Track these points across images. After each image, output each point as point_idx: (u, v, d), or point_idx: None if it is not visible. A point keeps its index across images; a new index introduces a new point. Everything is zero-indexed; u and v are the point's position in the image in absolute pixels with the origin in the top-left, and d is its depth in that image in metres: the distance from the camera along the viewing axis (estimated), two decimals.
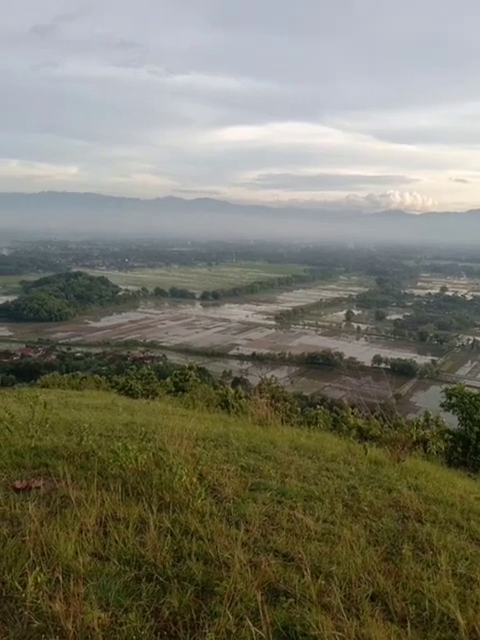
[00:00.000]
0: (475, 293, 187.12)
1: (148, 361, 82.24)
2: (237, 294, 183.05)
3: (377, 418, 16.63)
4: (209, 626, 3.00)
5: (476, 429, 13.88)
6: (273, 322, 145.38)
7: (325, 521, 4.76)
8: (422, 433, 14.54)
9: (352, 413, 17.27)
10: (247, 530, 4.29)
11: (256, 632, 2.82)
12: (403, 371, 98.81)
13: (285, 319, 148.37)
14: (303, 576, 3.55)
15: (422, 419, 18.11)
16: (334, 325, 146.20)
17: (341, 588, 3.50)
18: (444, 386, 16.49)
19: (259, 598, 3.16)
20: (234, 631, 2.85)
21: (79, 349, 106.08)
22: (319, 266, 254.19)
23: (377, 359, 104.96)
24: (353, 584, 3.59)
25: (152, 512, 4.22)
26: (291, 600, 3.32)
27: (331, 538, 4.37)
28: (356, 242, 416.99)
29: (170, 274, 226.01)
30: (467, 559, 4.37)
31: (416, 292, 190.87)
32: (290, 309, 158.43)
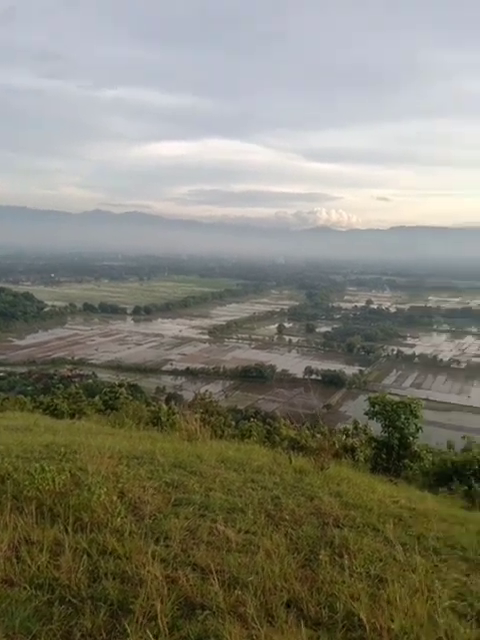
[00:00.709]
0: (398, 306, 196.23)
1: (77, 379, 79.58)
2: (170, 309, 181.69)
3: (308, 428, 17.05)
4: None
5: (397, 436, 14.49)
6: (207, 336, 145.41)
7: (247, 532, 4.82)
8: (350, 441, 15.04)
9: (284, 424, 17.59)
10: (167, 546, 4.28)
11: None
12: (333, 382, 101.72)
13: (218, 333, 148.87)
14: (220, 588, 3.58)
15: (351, 428, 18.72)
16: (267, 338, 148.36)
17: (257, 597, 3.56)
18: (369, 395, 17.15)
19: (174, 613, 3.16)
20: None
21: (1, 369, 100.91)
22: (251, 281, 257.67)
23: (308, 370, 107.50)
24: (269, 592, 3.66)
25: (68, 533, 4.12)
26: (207, 612, 3.35)
27: (251, 548, 4.43)
28: (286, 257, 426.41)
29: (100, 289, 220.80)
30: (381, 560, 4.56)
31: (343, 305, 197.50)
32: (223, 323, 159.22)
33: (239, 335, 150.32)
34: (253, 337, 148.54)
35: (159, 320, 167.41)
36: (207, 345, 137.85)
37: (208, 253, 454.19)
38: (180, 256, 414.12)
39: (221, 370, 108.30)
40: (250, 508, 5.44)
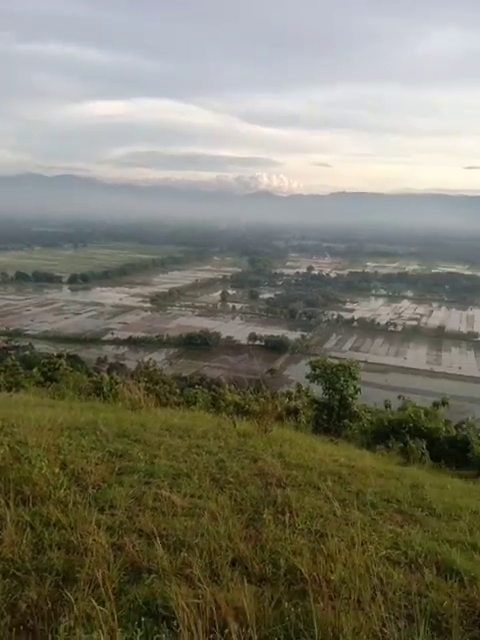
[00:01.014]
0: (338, 271, 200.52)
1: (12, 351, 76.77)
2: (109, 277, 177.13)
3: (252, 393, 17.36)
4: (68, 613, 2.97)
5: (337, 397, 15.04)
6: (149, 305, 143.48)
7: (192, 496, 4.91)
8: (293, 404, 15.46)
9: (229, 390, 17.82)
10: (112, 514, 4.30)
11: (115, 611, 2.85)
12: (276, 347, 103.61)
13: (161, 301, 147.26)
14: (166, 552, 3.64)
15: (294, 391, 19.22)
16: (210, 305, 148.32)
17: (203, 558, 3.66)
18: (310, 359, 17.60)
19: (121, 579, 3.19)
20: (93, 614, 2.86)
21: None
22: (193, 247, 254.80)
23: (252, 336, 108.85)
24: (215, 553, 3.76)
25: (9, 508, 4.03)
26: (153, 576, 3.41)
27: (197, 512, 4.52)
28: (228, 223, 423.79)
29: (32, 257, 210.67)
30: (321, 517, 4.77)
31: (286, 271, 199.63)
32: (166, 291, 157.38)
33: (182, 302, 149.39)
34: (196, 304, 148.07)
35: (98, 289, 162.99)
36: (149, 313, 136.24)
37: (148, 218, 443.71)
38: (118, 221, 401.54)
39: (165, 338, 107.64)
40: (195, 473, 5.52)
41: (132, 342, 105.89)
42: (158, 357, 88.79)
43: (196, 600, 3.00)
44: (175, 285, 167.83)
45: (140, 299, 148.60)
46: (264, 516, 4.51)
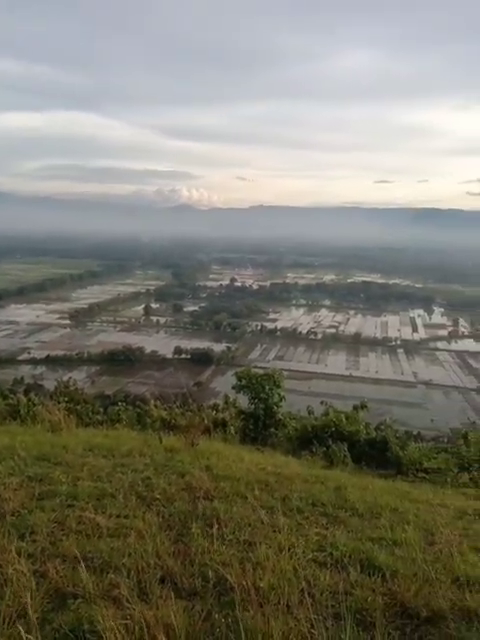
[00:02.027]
0: (260, 283, 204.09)
1: None
2: (24, 293, 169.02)
3: (178, 407, 17.18)
4: None
5: (263, 406, 15.24)
6: (68, 321, 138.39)
7: (118, 516, 4.80)
8: (221, 416, 15.49)
9: (155, 406, 17.52)
10: (34, 540, 4.13)
11: None
12: (202, 359, 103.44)
13: (81, 317, 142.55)
14: (92, 574, 3.54)
15: (222, 403, 19.24)
16: (133, 320, 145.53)
17: (130, 578, 3.59)
18: (236, 370, 17.73)
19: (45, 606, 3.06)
20: None
21: None
22: (114, 261, 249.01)
23: (178, 350, 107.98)
24: (143, 571, 3.70)
25: None
26: (79, 600, 3.30)
27: (123, 531, 4.43)
28: (149, 236, 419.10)
29: None
30: (250, 525, 4.82)
31: (209, 284, 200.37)
32: (85, 306, 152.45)
33: (103, 318, 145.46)
34: (118, 319, 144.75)
35: (12, 306, 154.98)
36: (68, 330, 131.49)
37: (66, 232, 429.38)
38: (35, 236, 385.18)
39: (85, 356, 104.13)
40: (120, 492, 5.41)
41: (51, 361, 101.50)
42: (79, 376, 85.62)
43: (124, 621, 2.94)
44: (95, 300, 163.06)
45: (58, 316, 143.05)
46: (192, 530, 4.50)
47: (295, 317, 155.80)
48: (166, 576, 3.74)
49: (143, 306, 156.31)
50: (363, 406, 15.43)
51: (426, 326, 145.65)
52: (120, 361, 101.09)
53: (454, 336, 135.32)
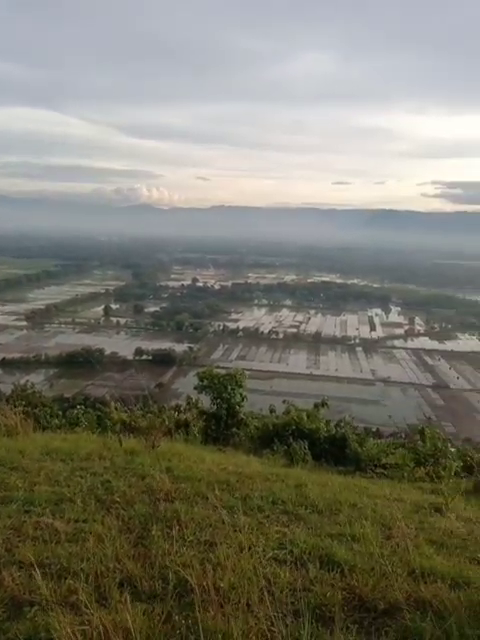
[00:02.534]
0: (222, 283, 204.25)
1: None
2: None
3: (140, 409, 16.99)
4: None
5: (225, 406, 15.24)
6: (24, 323, 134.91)
7: (76, 521, 4.73)
8: (183, 417, 15.40)
9: (115, 408, 17.25)
10: None
11: None
12: (164, 360, 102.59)
13: (38, 318, 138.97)
14: (50, 581, 3.47)
15: (184, 404, 19.13)
16: (92, 321, 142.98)
17: (89, 583, 3.53)
18: (198, 371, 17.66)
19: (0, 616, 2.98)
20: None
21: None
22: (72, 261, 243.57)
23: (139, 351, 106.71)
24: (102, 576, 3.65)
25: None
26: (36, 608, 3.23)
27: (82, 536, 4.36)
28: (108, 236, 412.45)
29: None
30: (210, 526, 4.81)
31: (170, 284, 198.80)
32: (43, 307, 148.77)
33: (61, 319, 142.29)
34: (77, 321, 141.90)
35: None
36: (25, 332, 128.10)
37: (21, 231, 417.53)
38: None
39: (43, 358, 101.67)
40: (79, 496, 5.32)
41: (7, 364, 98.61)
42: (36, 379, 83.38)
43: (82, 627, 2.90)
44: (53, 301, 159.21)
45: (14, 317, 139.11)
46: (153, 532, 4.46)
47: (257, 317, 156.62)
48: (126, 580, 3.70)
49: (103, 307, 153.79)
50: (324, 404, 15.64)
51: (383, 325, 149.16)
52: (79, 363, 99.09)
53: (410, 334, 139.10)
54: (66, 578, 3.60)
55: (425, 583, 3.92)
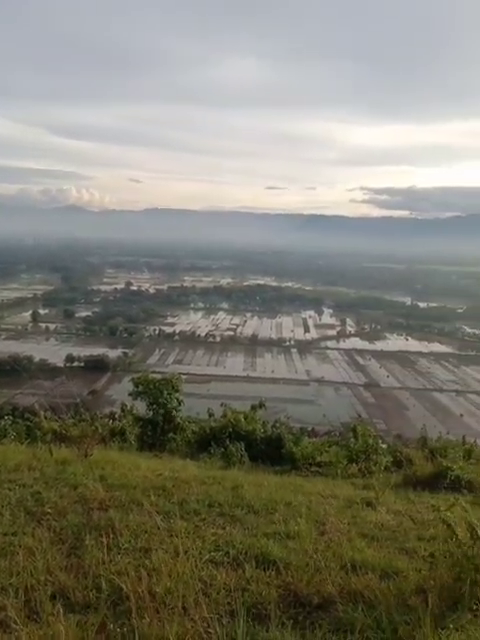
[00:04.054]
0: (157, 286, 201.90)
1: None
2: None
3: (72, 417, 16.46)
4: None
5: (162, 411, 15.08)
6: None
7: (5, 534, 4.55)
8: (118, 424, 15.08)
9: (46, 417, 16.62)
10: None
11: None
12: (97, 367, 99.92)
13: None
14: None
15: (119, 411, 18.73)
16: (19, 327, 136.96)
17: (19, 598, 3.40)
18: (133, 376, 17.35)
19: None
20: None
21: None
22: None
23: (70, 358, 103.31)
24: (33, 590, 3.53)
25: None
26: None
27: (11, 549, 4.20)
28: (35, 238, 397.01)
29: None
30: (146, 532, 4.76)
31: (103, 288, 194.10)
32: None
33: None
34: (3, 327, 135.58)
35: None
36: None
37: None
38: None
39: None
40: (7, 509, 5.12)
41: None
42: None
43: None
44: None
45: None
46: (86, 542, 4.36)
47: (193, 320, 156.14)
48: (58, 592, 3.59)
49: (30, 312, 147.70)
50: (261, 405, 15.81)
51: (317, 326, 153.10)
52: (6, 372, 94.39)
53: (342, 335, 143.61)
54: None
55: (357, 575, 4.06)
